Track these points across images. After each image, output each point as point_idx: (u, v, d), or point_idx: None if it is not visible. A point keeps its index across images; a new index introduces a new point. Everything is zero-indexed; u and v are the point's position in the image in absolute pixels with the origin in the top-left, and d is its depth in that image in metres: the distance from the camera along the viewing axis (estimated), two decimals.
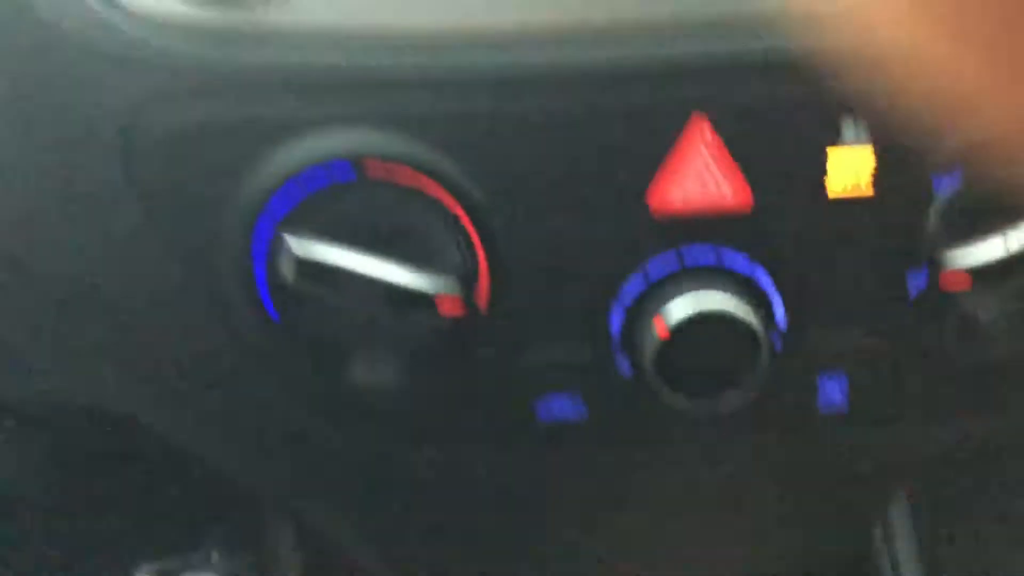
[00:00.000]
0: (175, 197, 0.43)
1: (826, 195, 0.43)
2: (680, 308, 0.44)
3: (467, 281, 0.45)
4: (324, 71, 0.41)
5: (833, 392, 0.48)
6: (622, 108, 0.41)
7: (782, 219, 0.44)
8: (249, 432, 0.52)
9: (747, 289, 0.45)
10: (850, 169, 0.42)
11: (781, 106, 0.41)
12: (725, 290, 0.44)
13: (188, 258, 0.45)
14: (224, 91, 0.41)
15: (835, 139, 0.42)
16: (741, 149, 0.42)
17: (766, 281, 0.45)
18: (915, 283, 0.45)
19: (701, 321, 0.44)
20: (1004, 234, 0.43)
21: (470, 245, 0.44)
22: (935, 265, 0.44)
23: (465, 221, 0.44)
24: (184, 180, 0.43)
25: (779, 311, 0.46)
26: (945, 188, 0.43)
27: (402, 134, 0.42)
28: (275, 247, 0.44)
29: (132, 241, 0.45)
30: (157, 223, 0.44)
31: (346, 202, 0.44)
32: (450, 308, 0.45)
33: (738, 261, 0.45)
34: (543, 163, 0.42)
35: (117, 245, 0.45)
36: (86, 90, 0.42)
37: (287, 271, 0.44)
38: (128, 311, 0.47)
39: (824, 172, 0.42)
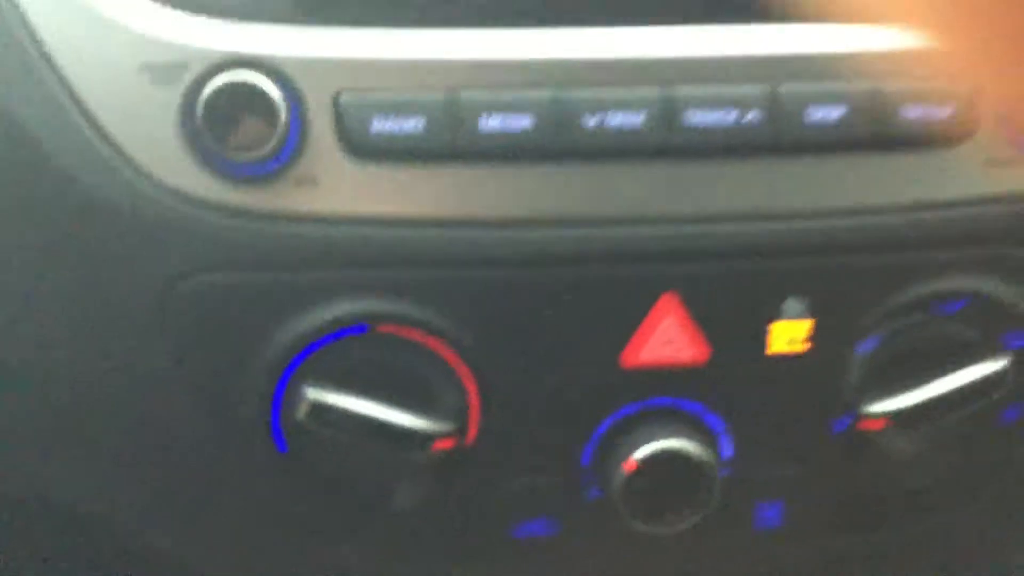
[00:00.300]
0: (203, 349, 0.48)
1: (767, 353, 0.51)
2: (644, 446, 0.51)
3: (460, 422, 0.51)
4: (344, 248, 0.47)
5: (769, 514, 0.56)
6: (604, 283, 0.49)
7: (730, 372, 0.51)
8: (247, 549, 0.57)
9: (700, 429, 0.52)
10: (788, 335, 0.50)
11: (737, 283, 0.49)
12: (681, 430, 0.52)
13: (209, 398, 0.50)
14: (253, 263, 0.47)
15: (777, 312, 0.50)
16: (701, 315, 0.50)
17: (716, 422, 0.53)
18: (838, 425, 0.53)
19: (661, 457, 0.51)
20: (913, 387, 0.52)
21: (464, 391, 0.50)
22: (854, 410, 0.53)
23: (462, 371, 0.50)
24: (212, 336, 0.48)
25: (726, 447, 0.53)
26: (864, 350, 0.51)
27: (410, 299, 0.48)
28: (290, 390, 0.50)
29: (158, 382, 0.49)
30: (183, 367, 0.49)
31: (356, 352, 0.50)
32: (442, 444, 0.51)
33: (693, 406, 0.52)
34: (533, 326, 0.49)
35: (145, 385, 0.50)
36: (126, 257, 0.47)
37: (300, 412, 0.50)
38: (149, 442, 0.52)
39: (767, 335, 0.50)
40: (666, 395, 0.52)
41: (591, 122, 0.46)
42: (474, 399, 0.51)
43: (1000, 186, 0.49)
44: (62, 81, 0.45)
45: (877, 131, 0.47)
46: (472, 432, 0.52)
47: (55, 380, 0.50)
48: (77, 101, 0.45)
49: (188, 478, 0.53)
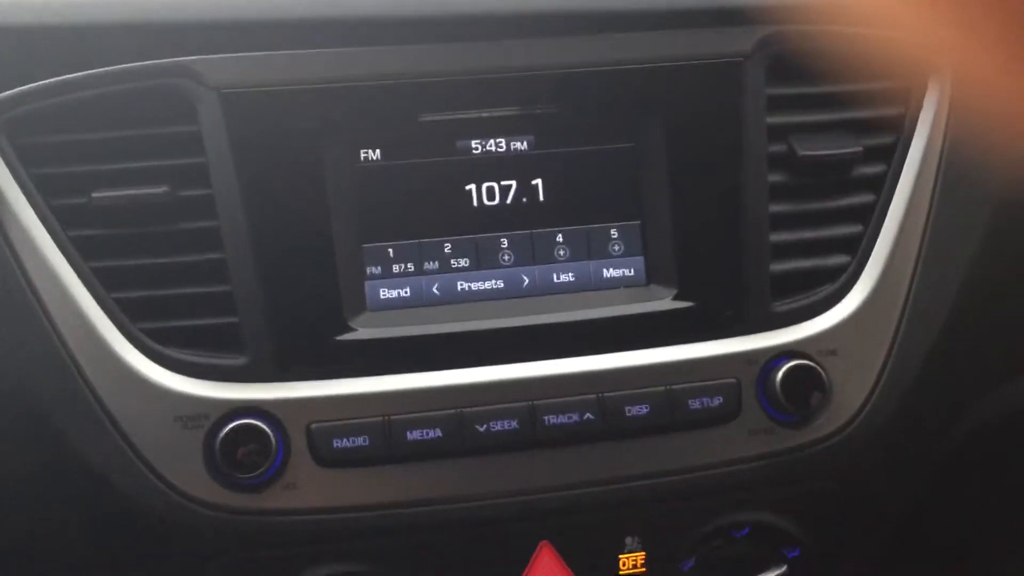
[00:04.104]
0: None
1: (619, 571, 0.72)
2: None
3: None
4: (318, 530, 0.67)
5: None
6: (500, 536, 0.70)
7: None
8: None
9: None
10: (631, 562, 0.72)
11: (591, 530, 0.71)
12: None
13: None
14: (257, 545, 0.67)
15: (621, 546, 0.71)
16: (567, 554, 0.71)
17: None
18: None
19: None
20: None
21: None
22: None
23: None
24: None
25: None
26: (687, 567, 0.73)
27: (363, 561, 0.69)
28: None
29: None
30: None
31: None
32: None
33: None
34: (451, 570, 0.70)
35: None
36: (162, 549, 0.67)
37: None
38: None
39: (617, 563, 0.72)
40: None
41: (482, 429, 0.68)
42: None
43: (759, 448, 0.72)
44: (119, 430, 0.66)
45: (673, 419, 0.70)
46: None
47: None
48: (131, 444, 0.66)
49: None
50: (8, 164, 0.67)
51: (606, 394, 0.70)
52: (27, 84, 0.68)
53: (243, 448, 0.65)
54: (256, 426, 0.66)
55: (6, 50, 0.68)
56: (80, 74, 0.68)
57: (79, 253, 0.67)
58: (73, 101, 0.68)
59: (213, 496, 0.66)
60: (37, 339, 0.65)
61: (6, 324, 0.65)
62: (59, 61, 0.68)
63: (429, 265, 0.72)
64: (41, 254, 0.67)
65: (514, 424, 0.69)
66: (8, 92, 0.68)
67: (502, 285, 0.72)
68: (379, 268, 0.71)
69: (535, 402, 0.69)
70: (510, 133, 0.72)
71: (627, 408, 0.70)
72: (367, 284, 0.71)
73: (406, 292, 0.71)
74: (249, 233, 0.68)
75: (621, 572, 0.72)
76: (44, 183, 0.67)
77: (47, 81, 0.68)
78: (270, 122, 0.68)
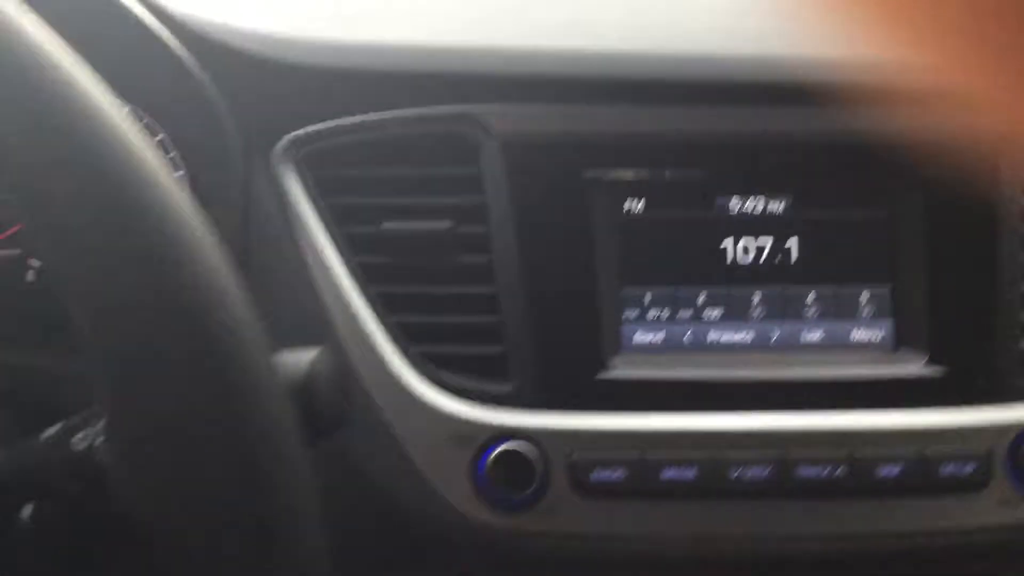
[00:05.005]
0: None
1: None
2: None
3: None
4: (575, 556, 0.70)
5: None
6: None
7: None
8: None
9: None
10: None
11: None
12: None
13: None
14: (515, 566, 0.70)
15: None
16: None
17: None
18: None
19: None
20: None
21: None
22: None
23: None
24: None
25: None
26: None
27: None
28: None
29: None
30: None
31: None
32: None
33: None
34: None
35: None
36: (428, 558, 0.70)
37: None
38: None
39: None
40: None
41: (735, 474, 0.70)
42: None
43: (1006, 519, 0.71)
44: (398, 446, 0.70)
45: (924, 482, 0.71)
46: None
47: None
48: (408, 460, 0.70)
49: None
50: (308, 193, 0.74)
51: (858, 451, 0.71)
52: (329, 122, 0.75)
53: (508, 470, 0.69)
54: (521, 451, 0.69)
55: (312, 89, 0.75)
56: (376, 116, 0.74)
57: (366, 278, 0.73)
58: (368, 140, 0.74)
59: (478, 514, 0.70)
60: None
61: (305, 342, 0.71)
62: (357, 102, 0.75)
63: (683, 313, 0.75)
64: (332, 277, 0.73)
65: (766, 472, 0.70)
66: (311, 128, 0.75)
67: (751, 338, 0.75)
68: (635, 312, 0.74)
69: (788, 452, 0.71)
70: (768, 193, 0.75)
71: (878, 467, 0.71)
72: (624, 326, 0.74)
73: (659, 337, 0.74)
74: (520, 270, 0.72)
75: None
76: (338, 212, 0.74)
77: (347, 120, 0.74)
78: (545, 169, 0.73)
